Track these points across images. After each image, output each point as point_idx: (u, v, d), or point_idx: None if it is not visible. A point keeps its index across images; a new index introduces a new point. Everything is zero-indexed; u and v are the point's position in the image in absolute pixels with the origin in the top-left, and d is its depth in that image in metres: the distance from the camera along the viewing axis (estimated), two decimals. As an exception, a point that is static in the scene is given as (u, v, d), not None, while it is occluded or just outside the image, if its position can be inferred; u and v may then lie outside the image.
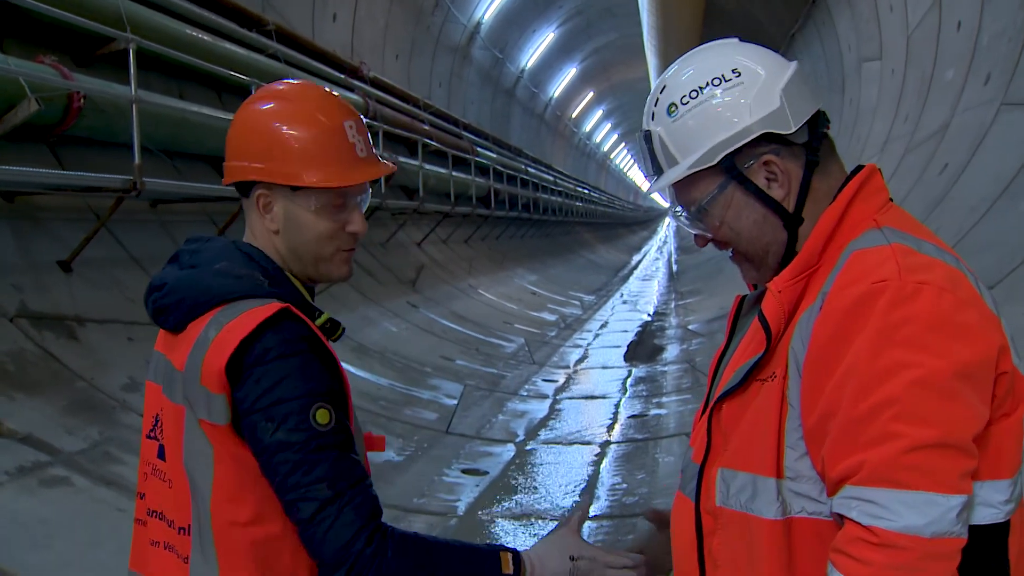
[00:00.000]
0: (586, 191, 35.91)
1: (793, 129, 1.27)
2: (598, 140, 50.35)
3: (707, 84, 1.28)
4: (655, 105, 1.34)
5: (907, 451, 1.06)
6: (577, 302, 17.06)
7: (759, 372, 1.27)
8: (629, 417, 7.43)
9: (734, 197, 1.30)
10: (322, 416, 1.31)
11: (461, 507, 5.19)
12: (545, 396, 8.31)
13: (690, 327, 12.14)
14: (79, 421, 4.50)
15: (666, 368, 9.56)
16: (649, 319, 14.58)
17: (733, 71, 1.28)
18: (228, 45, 9.04)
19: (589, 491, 5.50)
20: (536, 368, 9.68)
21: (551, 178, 27.43)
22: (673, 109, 1.31)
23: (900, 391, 1.08)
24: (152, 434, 1.45)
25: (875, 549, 1.07)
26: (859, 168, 1.32)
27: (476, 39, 21.49)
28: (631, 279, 25.11)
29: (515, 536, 4.76)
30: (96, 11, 6.58)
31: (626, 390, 8.61)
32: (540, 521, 4.99)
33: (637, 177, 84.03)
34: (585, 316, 15.39)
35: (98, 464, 4.21)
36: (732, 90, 1.27)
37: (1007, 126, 6.60)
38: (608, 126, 49.50)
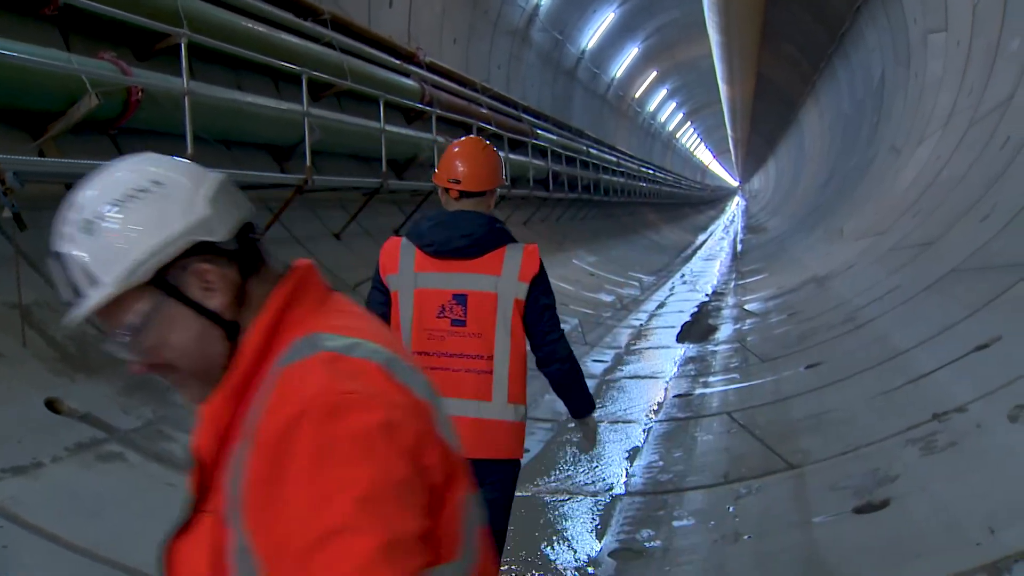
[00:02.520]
0: (650, 171, 35.62)
1: (223, 237, 1.22)
2: (663, 120, 49.77)
3: (127, 197, 1.19)
4: (67, 225, 1.20)
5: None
6: (636, 283, 17.04)
7: (204, 504, 1.23)
8: (674, 396, 7.45)
9: (171, 313, 1.21)
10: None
11: (501, 484, 5.31)
12: (593, 376, 8.37)
13: (747, 307, 12.04)
14: (134, 401, 4.75)
15: (716, 348, 9.52)
16: (707, 299, 14.47)
17: (154, 182, 1.20)
18: (283, 35, 9.29)
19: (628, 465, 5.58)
20: (587, 349, 9.75)
21: (613, 159, 27.31)
22: (90, 227, 1.18)
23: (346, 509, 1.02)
24: (442, 315, 2.82)
25: None
26: (291, 269, 1.30)
27: (535, 21, 21.48)
28: (694, 259, 24.92)
29: (555, 510, 4.88)
30: (155, 7, 6.86)
31: (675, 370, 8.64)
32: (579, 496, 5.09)
33: (704, 156, 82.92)
34: (643, 297, 15.37)
35: (151, 441, 4.45)
36: (156, 201, 1.19)
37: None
38: (673, 105, 48.88)
